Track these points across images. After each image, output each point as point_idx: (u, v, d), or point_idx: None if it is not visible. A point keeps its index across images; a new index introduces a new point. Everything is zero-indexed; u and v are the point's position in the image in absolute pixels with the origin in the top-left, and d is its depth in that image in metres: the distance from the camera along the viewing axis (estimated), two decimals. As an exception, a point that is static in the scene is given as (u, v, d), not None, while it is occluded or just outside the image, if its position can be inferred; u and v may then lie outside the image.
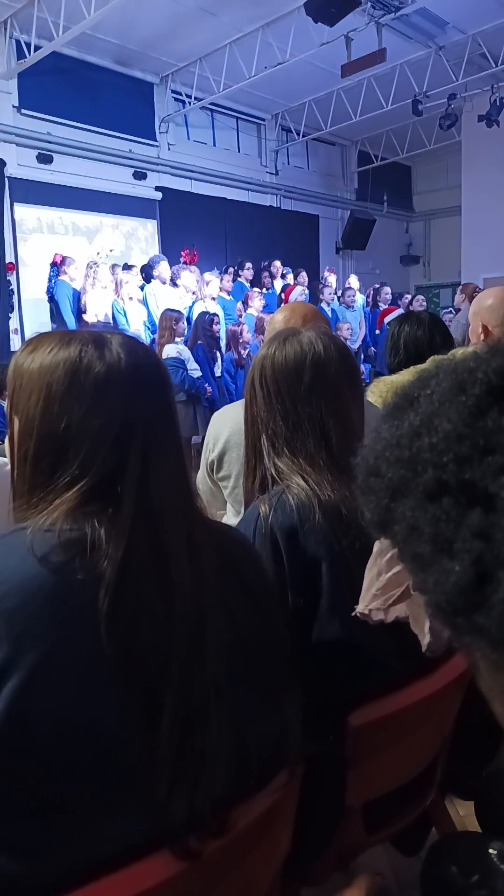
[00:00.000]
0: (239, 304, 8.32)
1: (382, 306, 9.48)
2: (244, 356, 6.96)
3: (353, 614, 1.02)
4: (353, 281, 9.98)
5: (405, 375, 2.44)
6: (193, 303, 7.85)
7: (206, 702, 0.85)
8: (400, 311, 9.00)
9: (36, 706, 0.77)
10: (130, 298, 7.40)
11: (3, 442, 1.39)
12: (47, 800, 0.78)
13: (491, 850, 0.69)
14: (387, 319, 8.88)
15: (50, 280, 7.67)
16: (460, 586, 0.36)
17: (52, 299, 7.62)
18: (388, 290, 9.86)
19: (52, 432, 0.87)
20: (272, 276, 9.51)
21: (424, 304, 9.50)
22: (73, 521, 0.84)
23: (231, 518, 2.00)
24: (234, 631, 0.93)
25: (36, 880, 0.76)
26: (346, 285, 9.69)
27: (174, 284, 7.97)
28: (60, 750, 0.78)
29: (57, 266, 7.59)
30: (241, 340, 6.95)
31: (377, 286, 9.97)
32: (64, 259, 7.61)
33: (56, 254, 7.80)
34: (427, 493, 0.39)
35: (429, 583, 0.39)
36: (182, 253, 9.00)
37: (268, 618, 1.00)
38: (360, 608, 1.00)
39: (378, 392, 2.48)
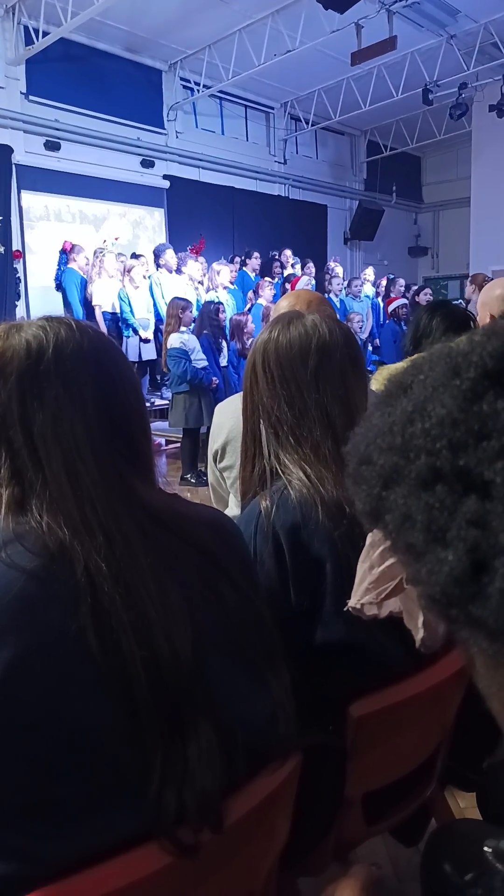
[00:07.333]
0: (250, 294, 8.28)
1: (392, 296, 9.43)
2: (248, 346, 6.92)
3: (345, 609, 1.00)
4: (370, 273, 9.89)
5: (406, 363, 2.42)
6: (206, 291, 7.83)
7: (188, 692, 0.84)
8: (403, 300, 8.96)
9: (15, 703, 0.76)
10: (136, 287, 7.38)
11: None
12: (37, 798, 0.77)
13: (486, 848, 0.68)
14: (390, 308, 8.86)
15: (59, 267, 7.66)
16: (455, 576, 0.35)
17: (59, 287, 7.61)
18: (401, 281, 9.77)
19: None
20: (283, 266, 9.46)
21: (430, 295, 9.40)
22: (20, 515, 0.84)
23: (233, 509, 1.99)
24: (212, 616, 0.91)
25: (27, 875, 0.75)
26: (355, 275, 9.63)
27: (179, 273, 7.94)
28: (46, 747, 0.77)
29: (66, 253, 7.57)
30: (245, 331, 6.92)
31: (391, 277, 9.90)
32: (73, 247, 7.59)
33: (65, 241, 7.78)
34: (420, 481, 0.38)
35: (422, 573, 0.37)
36: (189, 249, 8.96)
37: (247, 598, 0.98)
38: (353, 603, 0.98)
39: (381, 380, 2.46)
